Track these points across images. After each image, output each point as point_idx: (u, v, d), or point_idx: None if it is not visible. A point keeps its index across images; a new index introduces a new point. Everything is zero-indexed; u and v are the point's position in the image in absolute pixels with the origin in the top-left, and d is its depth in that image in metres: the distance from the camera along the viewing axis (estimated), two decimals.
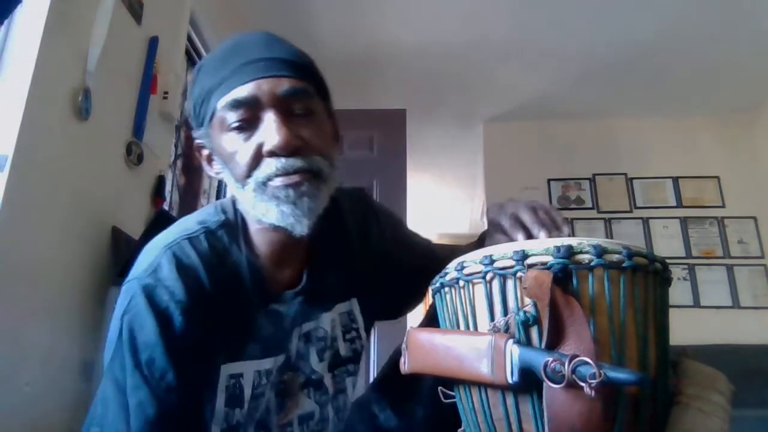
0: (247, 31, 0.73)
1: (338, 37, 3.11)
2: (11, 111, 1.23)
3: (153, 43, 1.84)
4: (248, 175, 0.67)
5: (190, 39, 2.43)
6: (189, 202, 2.54)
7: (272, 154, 0.65)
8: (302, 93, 0.68)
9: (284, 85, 0.66)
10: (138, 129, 1.75)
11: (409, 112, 3.35)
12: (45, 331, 1.32)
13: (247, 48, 0.69)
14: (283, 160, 0.65)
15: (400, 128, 3.26)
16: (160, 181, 1.90)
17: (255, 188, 0.66)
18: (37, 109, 1.27)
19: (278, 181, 0.65)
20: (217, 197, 2.93)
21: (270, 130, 0.65)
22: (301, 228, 0.67)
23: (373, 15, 2.94)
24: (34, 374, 1.27)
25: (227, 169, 0.70)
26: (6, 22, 1.25)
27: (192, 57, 2.55)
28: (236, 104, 0.65)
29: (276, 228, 0.69)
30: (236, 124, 0.66)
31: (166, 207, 2.01)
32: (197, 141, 0.74)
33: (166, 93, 1.92)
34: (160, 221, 1.69)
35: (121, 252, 1.58)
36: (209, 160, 0.75)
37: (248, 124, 0.66)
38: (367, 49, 3.21)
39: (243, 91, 0.65)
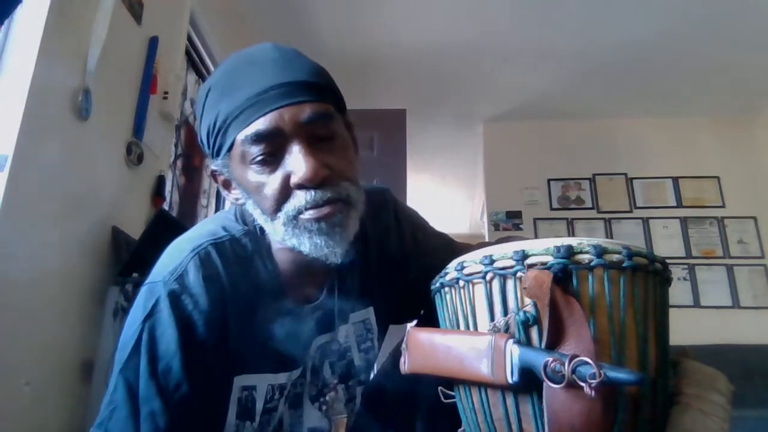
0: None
1: (338, 37, 3.11)
2: (11, 111, 1.23)
3: (153, 43, 1.84)
4: (278, 209, 0.65)
5: (190, 39, 2.43)
6: (189, 202, 2.54)
7: (301, 186, 0.63)
8: (324, 116, 0.65)
9: (306, 111, 0.63)
10: (138, 129, 1.75)
11: (409, 112, 3.36)
12: (45, 331, 1.32)
13: (260, 70, 0.65)
14: (312, 192, 0.63)
15: (400, 128, 3.27)
16: (160, 181, 1.91)
17: (285, 222, 0.65)
18: (37, 109, 1.27)
19: (309, 214, 0.64)
20: (217, 197, 2.93)
21: (297, 162, 0.63)
22: (335, 257, 0.66)
23: (373, 15, 2.94)
24: (34, 374, 1.27)
25: (251, 199, 0.68)
26: (6, 22, 1.25)
27: (192, 57, 2.55)
28: (259, 138, 0.63)
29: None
30: (260, 158, 0.64)
31: (166, 207, 2.01)
32: (213, 168, 0.72)
33: (166, 93, 1.92)
34: (160, 221, 1.69)
35: (121, 252, 1.58)
36: (227, 185, 0.72)
37: (272, 157, 0.64)
38: (367, 49, 3.21)
39: (264, 122, 0.62)
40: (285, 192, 0.64)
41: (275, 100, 0.63)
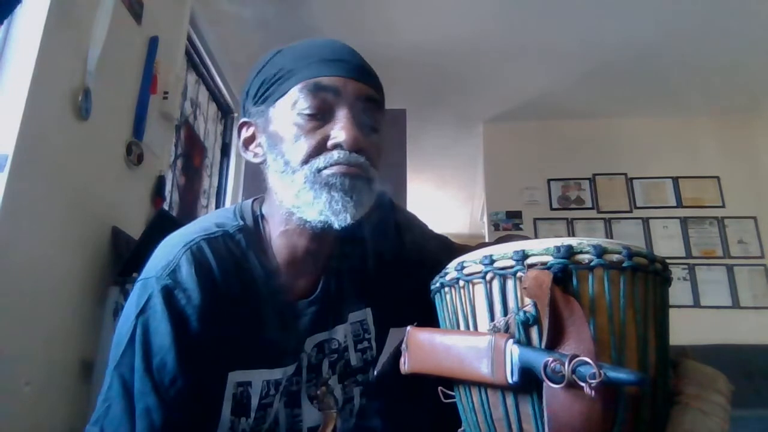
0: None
1: (338, 37, 3.09)
2: (11, 111, 1.23)
3: (153, 43, 1.84)
4: (306, 161, 0.67)
5: (190, 39, 2.43)
6: (189, 202, 2.54)
7: (337, 146, 0.66)
8: (379, 104, 0.71)
9: (367, 91, 0.69)
10: (138, 129, 1.75)
11: (409, 112, 3.35)
12: (45, 331, 1.32)
13: (335, 47, 0.72)
14: (346, 153, 0.66)
15: (400, 128, 3.26)
16: (160, 181, 1.91)
17: (308, 174, 0.66)
18: (37, 109, 1.27)
19: (335, 169, 0.66)
20: (217, 197, 2.93)
21: (343, 126, 0.66)
22: (344, 218, 0.66)
23: (373, 15, 2.94)
24: (34, 374, 1.27)
25: (276, 151, 0.69)
26: (6, 22, 1.25)
27: (192, 57, 2.55)
28: (318, 90, 0.67)
29: (303, 228, 0.70)
30: (309, 111, 0.67)
31: (166, 207, 2.01)
32: (246, 119, 0.74)
33: (166, 93, 1.92)
34: (160, 221, 1.69)
35: (121, 252, 1.58)
36: (249, 141, 0.74)
37: (321, 116, 0.67)
38: (367, 49, 3.19)
39: (328, 80, 0.67)
40: (319, 149, 0.67)
41: (344, 69, 0.69)
